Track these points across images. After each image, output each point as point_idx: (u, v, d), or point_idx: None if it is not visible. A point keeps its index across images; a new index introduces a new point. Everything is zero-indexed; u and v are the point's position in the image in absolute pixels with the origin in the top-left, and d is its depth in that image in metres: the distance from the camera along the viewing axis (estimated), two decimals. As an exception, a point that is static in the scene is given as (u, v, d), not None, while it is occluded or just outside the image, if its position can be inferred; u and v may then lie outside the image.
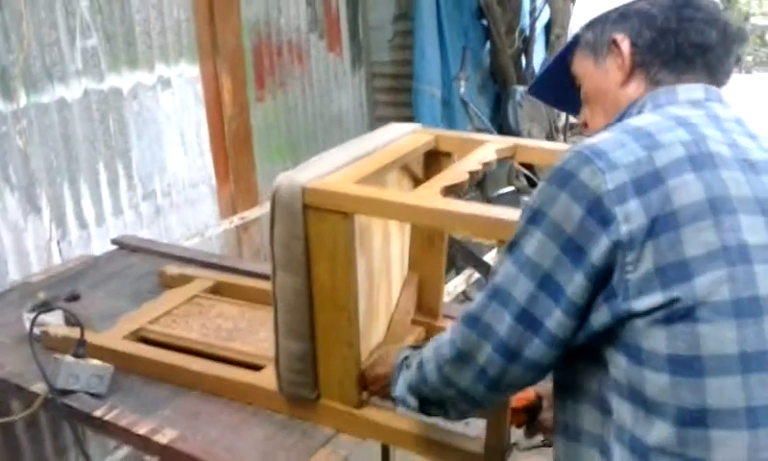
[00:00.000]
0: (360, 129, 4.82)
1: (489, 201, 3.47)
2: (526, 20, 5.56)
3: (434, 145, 1.73)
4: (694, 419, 0.90)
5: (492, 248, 2.62)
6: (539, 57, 5.72)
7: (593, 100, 1.14)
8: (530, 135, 3.68)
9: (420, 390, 1.20)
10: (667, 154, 0.93)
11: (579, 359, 1.02)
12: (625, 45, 1.07)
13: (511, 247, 1.02)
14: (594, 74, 1.12)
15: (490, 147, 1.62)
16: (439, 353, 1.13)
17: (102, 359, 1.70)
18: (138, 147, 3.12)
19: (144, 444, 1.50)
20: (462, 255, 2.47)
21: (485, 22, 5.40)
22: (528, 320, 0.99)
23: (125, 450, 2.76)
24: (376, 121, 5.03)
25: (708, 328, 0.89)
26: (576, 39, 1.15)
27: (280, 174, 1.41)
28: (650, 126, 0.98)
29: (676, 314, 0.90)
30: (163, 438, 1.48)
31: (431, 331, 1.85)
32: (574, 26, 1.16)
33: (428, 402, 1.21)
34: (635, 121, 1.01)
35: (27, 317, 1.88)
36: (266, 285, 2.10)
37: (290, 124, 4.21)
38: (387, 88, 5.23)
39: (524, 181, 3.59)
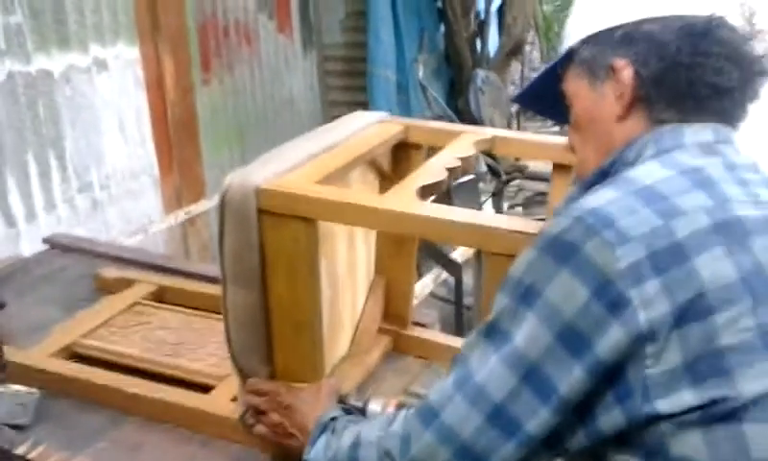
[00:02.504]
0: (312, 114, 4.62)
1: (448, 190, 3.31)
2: (481, 3, 5.43)
3: (403, 137, 1.55)
4: None
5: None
6: (493, 40, 5.61)
7: (584, 128, 0.96)
8: (492, 122, 3.54)
9: None
10: (688, 223, 0.77)
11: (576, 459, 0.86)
12: (627, 74, 0.89)
13: (490, 330, 0.85)
14: (587, 99, 0.94)
15: (466, 139, 1.45)
16: (383, 445, 0.95)
17: (27, 381, 1.48)
18: (72, 135, 2.87)
19: (75, 487, 1.30)
20: (428, 253, 2.30)
21: (439, 4, 5.25)
22: (503, 421, 0.82)
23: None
24: (329, 106, 4.83)
25: (757, 429, 0.74)
26: (570, 53, 0.96)
27: (230, 173, 1.22)
28: (661, 185, 0.81)
29: (715, 415, 0.74)
30: (98, 479, 1.28)
31: (398, 341, 1.69)
32: (570, 34, 0.97)
33: None
34: (640, 176, 0.84)
35: (-61, 334, 1.64)
36: (216, 290, 1.93)
37: (238, 109, 3.98)
38: (339, 72, 5.02)
39: (484, 168, 3.44)
